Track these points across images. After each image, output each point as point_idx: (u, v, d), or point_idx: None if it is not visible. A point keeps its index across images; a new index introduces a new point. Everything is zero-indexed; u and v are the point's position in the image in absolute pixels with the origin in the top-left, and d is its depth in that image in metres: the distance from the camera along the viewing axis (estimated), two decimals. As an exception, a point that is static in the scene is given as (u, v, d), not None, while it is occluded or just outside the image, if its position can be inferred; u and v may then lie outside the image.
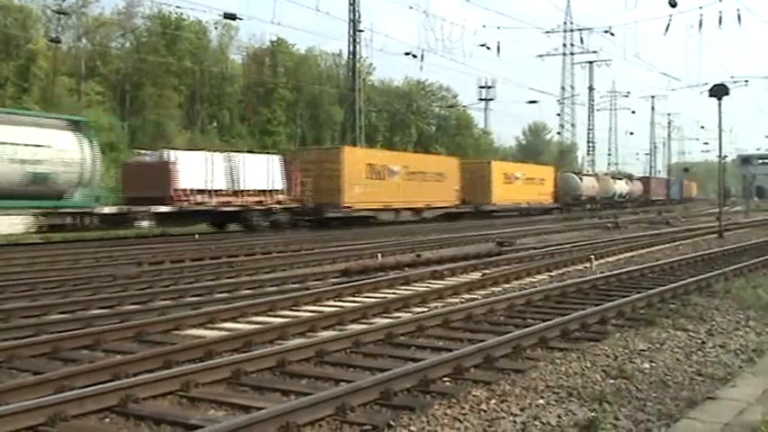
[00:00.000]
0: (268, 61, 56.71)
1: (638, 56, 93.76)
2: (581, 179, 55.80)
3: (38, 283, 12.20)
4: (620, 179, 66.04)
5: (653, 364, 6.61)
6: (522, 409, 5.27)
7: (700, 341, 7.61)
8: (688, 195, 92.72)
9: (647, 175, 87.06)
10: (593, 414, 5.13)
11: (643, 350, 7.14)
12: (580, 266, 14.76)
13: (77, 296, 10.87)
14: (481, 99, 73.85)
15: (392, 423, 4.99)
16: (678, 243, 21.11)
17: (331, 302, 10.26)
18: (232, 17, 32.92)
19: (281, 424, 4.73)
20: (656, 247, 19.71)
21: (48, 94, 40.32)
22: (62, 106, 39.90)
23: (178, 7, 43.57)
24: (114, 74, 46.91)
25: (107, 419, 5.18)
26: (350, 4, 40.54)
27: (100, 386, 5.47)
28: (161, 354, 6.65)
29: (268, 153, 32.13)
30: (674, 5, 31.42)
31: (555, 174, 53.26)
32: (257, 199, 28.03)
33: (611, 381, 6.05)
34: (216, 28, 51.94)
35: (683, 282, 11.30)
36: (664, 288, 10.60)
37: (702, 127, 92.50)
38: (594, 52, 63.51)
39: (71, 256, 17.12)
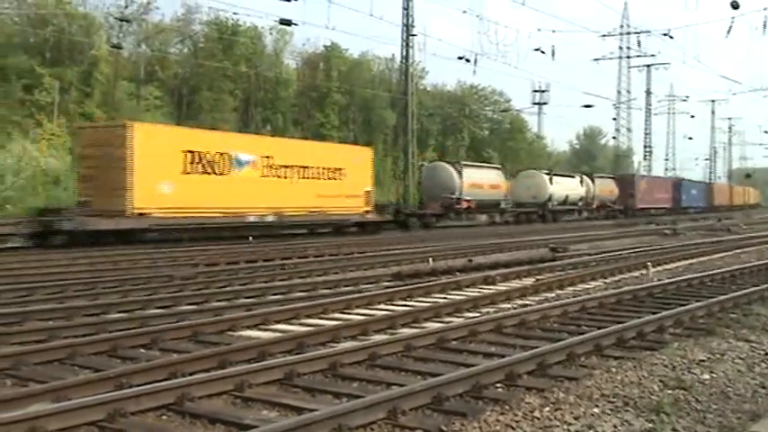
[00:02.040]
0: (322, 66, 57.15)
1: (697, 59, 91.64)
2: (459, 173, 36.95)
3: (98, 282, 12.53)
4: (571, 177, 48.64)
5: (713, 375, 6.43)
6: (576, 418, 5.19)
7: (763, 352, 7.37)
8: (725, 203, 75.69)
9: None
10: (650, 425, 5.02)
11: (702, 360, 6.95)
12: (636, 273, 14.47)
13: (136, 296, 11.13)
14: (535, 103, 72.99)
15: (444, 428, 4.97)
16: (740, 251, 20.51)
17: (383, 306, 10.28)
18: (287, 23, 33.28)
19: (333, 426, 4.75)
20: (717, 255, 19.19)
21: (109, 99, 41.39)
22: (122, 110, 41.00)
23: (235, 13, 44.30)
24: (172, 78, 47.89)
25: (164, 417, 5.29)
26: (403, 9, 40.59)
27: (157, 384, 5.59)
28: (216, 354, 6.75)
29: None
30: (736, 7, 30.57)
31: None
32: None
33: (669, 391, 5.90)
34: (271, 33, 52.62)
35: (746, 291, 10.97)
36: (724, 297, 10.31)
37: (766, 131, 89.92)
38: (652, 55, 62.20)
39: (130, 256, 17.53)
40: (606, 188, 52.10)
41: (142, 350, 7.48)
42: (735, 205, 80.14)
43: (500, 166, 45.89)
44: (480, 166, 42.36)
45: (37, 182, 30.25)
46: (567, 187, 46.35)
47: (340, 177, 28.72)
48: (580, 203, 48.31)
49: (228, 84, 48.48)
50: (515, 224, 40.15)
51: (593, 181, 50.15)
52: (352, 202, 29.05)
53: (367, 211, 29.97)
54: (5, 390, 5.93)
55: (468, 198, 36.90)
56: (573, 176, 49.03)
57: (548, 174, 45.44)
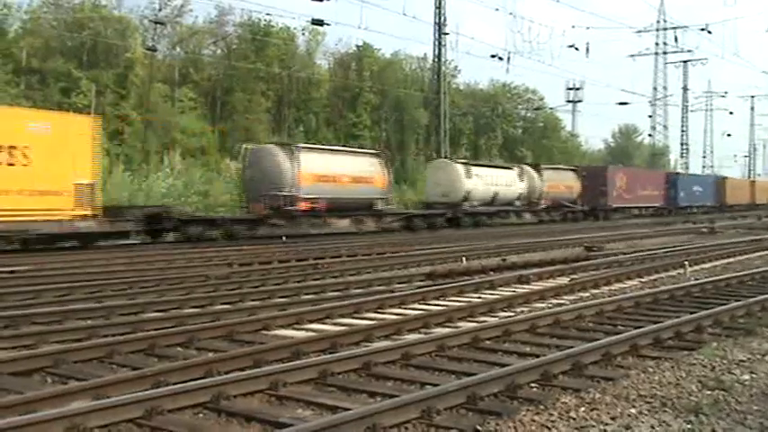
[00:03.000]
0: (354, 66, 57.28)
1: (737, 54, 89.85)
2: (294, 160, 25.78)
3: (136, 282, 12.71)
4: (503, 169, 38.18)
5: (753, 376, 6.31)
6: (612, 419, 5.13)
7: (804, 353, 7.21)
8: (744, 202, 64.24)
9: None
10: (688, 426, 4.94)
11: (742, 361, 6.83)
12: (673, 273, 14.26)
13: (172, 295, 11.26)
14: (569, 101, 72.30)
15: (479, 428, 4.95)
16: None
17: (416, 305, 10.27)
18: (320, 23, 33.45)
19: (367, 425, 4.76)
20: (756, 254, 18.82)
21: (144, 101, 41.99)
22: (157, 113, 41.57)
23: (267, 14, 44.70)
24: (206, 80, 48.39)
25: (200, 415, 5.35)
26: (436, 8, 40.54)
27: (193, 382, 5.65)
28: (251, 353, 6.81)
29: None
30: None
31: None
32: None
33: (708, 392, 5.81)
34: (303, 34, 52.89)
35: (786, 290, 10.75)
36: (765, 296, 10.10)
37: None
38: (689, 51, 61.03)
39: (166, 256, 17.75)
40: (561, 183, 41.05)
41: (178, 349, 7.57)
42: (759, 204, 66.89)
43: (379, 151, 33.50)
44: (337, 151, 30.36)
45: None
46: (494, 182, 35.34)
47: (11, 161, 18.24)
48: (518, 203, 37.37)
49: (261, 85, 48.84)
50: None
51: (539, 174, 39.11)
52: (45, 202, 18.81)
53: (84, 216, 19.61)
54: (46, 387, 6.04)
55: (310, 196, 26.00)
56: (508, 168, 38.52)
57: (464, 164, 35.02)
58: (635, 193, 46.58)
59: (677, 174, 56.57)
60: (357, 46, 56.24)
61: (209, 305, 10.35)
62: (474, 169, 34.66)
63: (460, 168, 34.01)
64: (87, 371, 6.55)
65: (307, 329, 8.61)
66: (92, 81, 39.39)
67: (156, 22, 41.56)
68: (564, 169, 43.48)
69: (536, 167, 39.84)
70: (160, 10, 43.75)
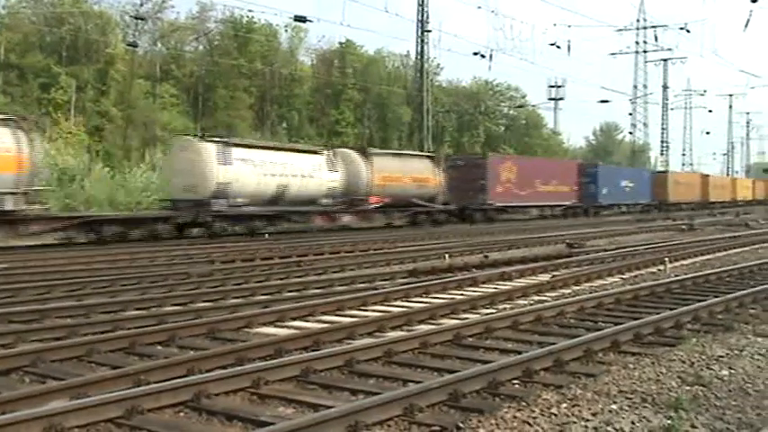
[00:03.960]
0: (337, 63, 57.22)
1: (715, 53, 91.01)
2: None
3: (116, 279, 12.61)
4: (298, 153, 27.21)
5: (732, 372, 6.38)
6: (594, 414, 5.16)
7: (782, 348, 7.30)
8: (694, 199, 56.65)
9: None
10: (668, 421, 4.98)
11: (721, 356, 6.90)
12: (653, 269, 14.37)
13: (153, 293, 11.19)
14: (551, 99, 72.68)
15: (461, 425, 4.96)
16: (758, 246, 20.32)
17: (399, 303, 10.27)
18: (302, 19, 33.38)
19: (349, 423, 4.75)
20: (734, 251, 19.02)
21: (125, 97, 41.68)
22: (138, 109, 41.28)
23: (250, 11, 44.57)
24: (188, 76, 48.13)
25: (181, 414, 5.31)
26: (418, 5, 40.61)
27: (174, 381, 5.61)
28: (233, 351, 6.77)
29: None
30: (754, 0, 30.25)
31: None
32: None
33: (688, 387, 5.86)
34: (286, 30, 52.74)
35: (764, 286, 10.86)
36: (743, 292, 10.21)
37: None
38: (669, 50, 61.47)
39: (148, 253, 17.62)
40: (405, 174, 30.12)
41: (159, 347, 7.51)
42: (713, 202, 59.54)
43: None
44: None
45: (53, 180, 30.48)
46: (278, 171, 24.78)
47: None
48: (327, 201, 26.73)
49: (244, 81, 48.67)
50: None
51: (367, 160, 28.55)
52: None
53: None
54: (24, 387, 5.98)
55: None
56: (310, 152, 27.60)
57: (221, 143, 23.62)
58: (532, 189, 37.51)
59: (596, 165, 48.27)
60: (340, 43, 56.25)
61: (190, 303, 10.28)
62: (239, 151, 23.89)
63: (212, 150, 23.12)
64: (66, 370, 6.49)
65: (289, 327, 8.58)
66: (72, 77, 39.07)
67: (136, 18, 41.28)
68: (412, 156, 33.29)
69: (362, 152, 29.34)
70: (141, 5, 43.47)
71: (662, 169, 63.95)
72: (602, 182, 44.54)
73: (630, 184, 48.61)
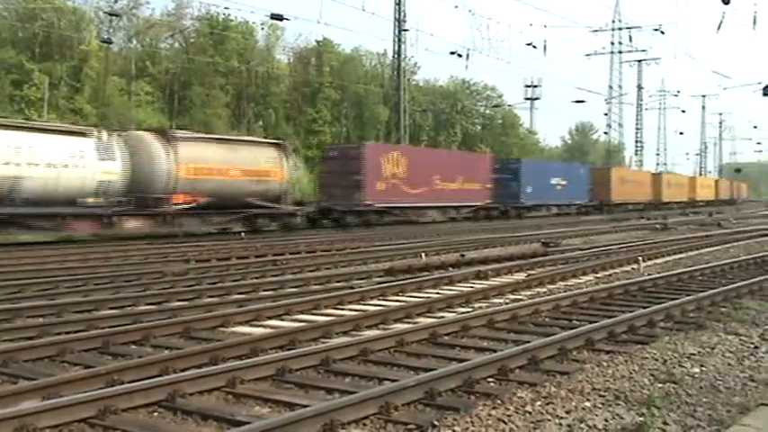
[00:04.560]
0: (314, 61, 57.07)
1: (688, 54, 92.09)
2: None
3: (90, 278, 12.47)
4: (46, 132, 20.16)
5: (703, 369, 6.47)
6: (567, 412, 5.21)
7: (752, 345, 7.42)
8: (642, 199, 51.60)
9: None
10: (641, 418, 5.04)
11: (693, 354, 7.00)
12: (627, 268, 14.52)
13: (127, 292, 11.09)
14: (527, 98, 73.06)
15: (436, 423, 4.98)
16: (729, 245, 20.61)
17: (375, 301, 10.28)
18: (279, 18, 33.19)
19: (325, 422, 4.75)
20: (706, 250, 19.28)
21: (99, 94, 41.22)
22: (113, 106, 40.84)
23: (226, 8, 44.25)
24: (163, 74, 47.71)
25: (155, 413, 5.27)
26: (395, 4, 40.56)
27: (148, 381, 5.57)
28: (208, 350, 6.74)
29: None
30: (727, 2, 30.60)
31: None
32: None
33: (660, 385, 5.94)
34: (262, 28, 52.49)
35: (735, 285, 11.03)
36: (714, 291, 10.36)
37: (755, 126, 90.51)
38: (643, 51, 62.24)
39: (122, 252, 17.47)
40: (233, 166, 24.17)
41: (133, 346, 7.45)
42: (666, 202, 55.43)
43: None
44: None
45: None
46: (2, 158, 18.58)
47: None
48: (94, 200, 20.59)
49: (220, 79, 48.37)
50: None
51: (170, 146, 22.36)
52: None
53: None
54: (-5, 387, 5.90)
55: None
56: (66, 133, 20.64)
57: None
58: (428, 187, 31.96)
59: (519, 160, 42.41)
60: (317, 41, 56.11)
61: (165, 302, 10.20)
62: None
63: None
64: (38, 370, 6.41)
65: (265, 326, 8.55)
66: (45, 74, 38.54)
67: (111, 14, 40.84)
68: (245, 142, 26.59)
69: (162, 135, 23.10)
70: (115, 1, 43.01)
71: (606, 165, 59.66)
72: (526, 179, 38.85)
73: (563, 182, 42.70)
